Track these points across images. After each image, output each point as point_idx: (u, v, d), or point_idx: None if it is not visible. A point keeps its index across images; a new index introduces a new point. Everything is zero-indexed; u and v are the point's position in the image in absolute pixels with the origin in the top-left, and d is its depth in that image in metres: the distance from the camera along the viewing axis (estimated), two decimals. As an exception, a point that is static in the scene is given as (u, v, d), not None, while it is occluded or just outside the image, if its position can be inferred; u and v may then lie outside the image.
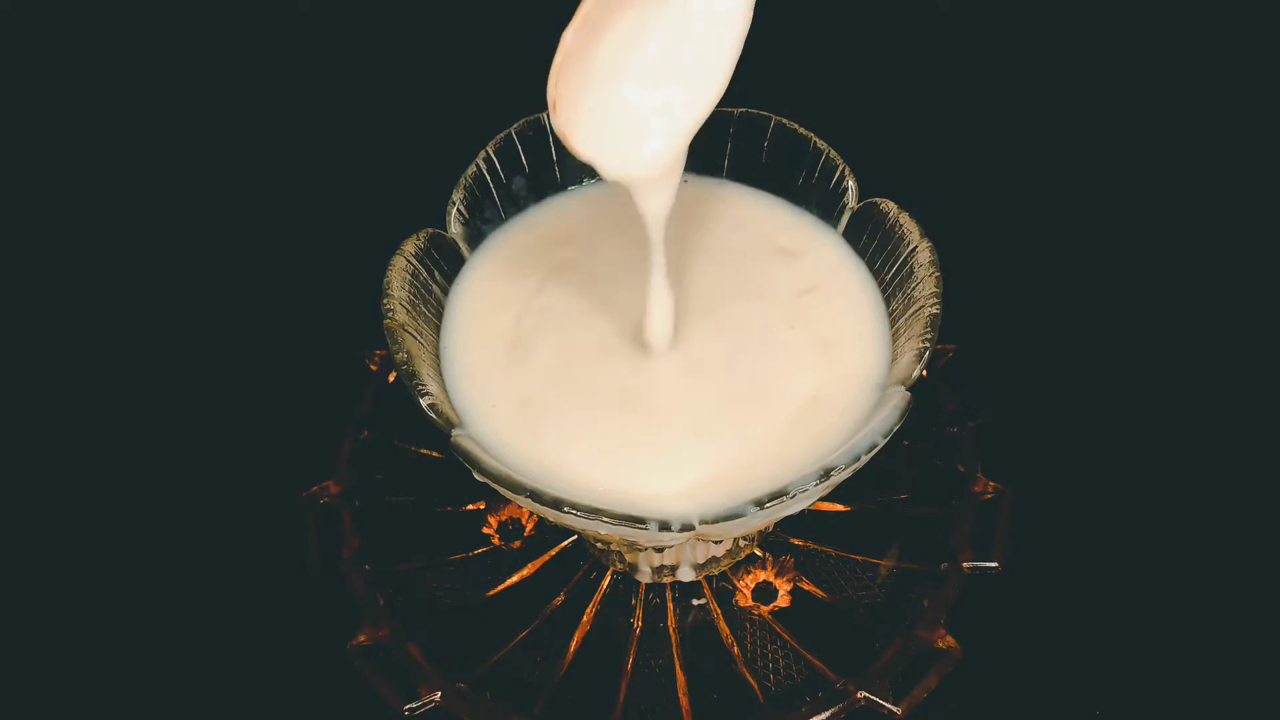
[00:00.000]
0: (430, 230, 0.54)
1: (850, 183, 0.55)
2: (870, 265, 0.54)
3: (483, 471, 0.45)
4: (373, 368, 0.65)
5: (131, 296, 0.74)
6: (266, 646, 0.57)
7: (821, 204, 0.57)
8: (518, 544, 0.59)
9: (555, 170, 0.58)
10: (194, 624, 0.58)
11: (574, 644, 0.55)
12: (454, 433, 0.47)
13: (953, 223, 0.55)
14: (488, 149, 0.57)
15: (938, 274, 0.50)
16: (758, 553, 0.58)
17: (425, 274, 0.53)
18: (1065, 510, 0.61)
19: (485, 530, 0.60)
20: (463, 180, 0.56)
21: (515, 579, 0.57)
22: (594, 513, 0.43)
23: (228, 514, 0.62)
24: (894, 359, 0.51)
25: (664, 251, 0.49)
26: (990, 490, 0.58)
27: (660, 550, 0.55)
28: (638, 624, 0.56)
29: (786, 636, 0.55)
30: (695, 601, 0.57)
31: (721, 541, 0.56)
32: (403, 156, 0.80)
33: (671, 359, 0.51)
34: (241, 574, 0.60)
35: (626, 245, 0.53)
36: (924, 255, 0.51)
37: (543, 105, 0.57)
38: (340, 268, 0.69)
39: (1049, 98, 0.84)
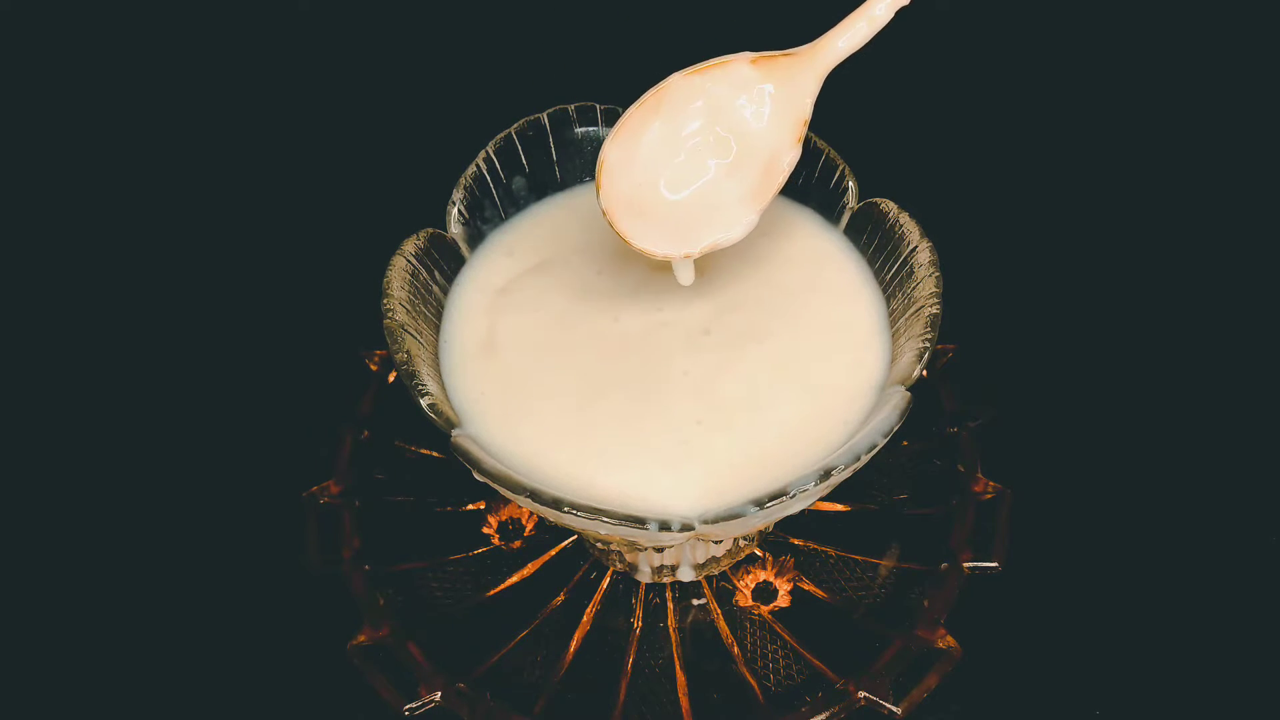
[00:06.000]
0: (430, 230, 0.54)
1: (850, 183, 0.55)
2: (870, 265, 0.54)
3: (483, 471, 0.45)
4: (373, 368, 0.65)
5: (132, 297, 0.74)
6: (266, 646, 0.57)
7: (821, 204, 0.57)
8: (518, 544, 0.59)
9: (555, 170, 0.58)
10: (194, 624, 0.58)
11: (574, 644, 0.55)
12: (454, 433, 0.47)
13: (953, 223, 0.56)
14: (488, 149, 0.57)
15: (938, 274, 0.50)
16: (758, 553, 0.58)
17: (425, 274, 0.53)
18: (1065, 510, 0.61)
19: (485, 530, 0.60)
20: (463, 180, 0.56)
21: (515, 579, 0.57)
22: (594, 513, 0.43)
23: (228, 514, 0.62)
24: (894, 359, 0.51)
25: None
26: (990, 490, 0.58)
27: (660, 550, 0.55)
28: (638, 624, 0.56)
29: (786, 636, 0.55)
30: (695, 601, 0.57)
31: (721, 541, 0.56)
32: (403, 156, 0.80)
33: (672, 359, 0.51)
34: (241, 574, 0.60)
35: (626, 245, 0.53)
36: (924, 255, 0.51)
37: (543, 105, 0.57)
38: (340, 268, 0.69)
39: (1049, 98, 0.84)
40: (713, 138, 0.49)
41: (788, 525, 0.58)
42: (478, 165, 0.56)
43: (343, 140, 0.83)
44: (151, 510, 0.63)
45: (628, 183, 0.49)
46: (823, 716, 0.51)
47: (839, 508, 0.59)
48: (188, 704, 0.56)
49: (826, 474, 0.44)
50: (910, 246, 0.51)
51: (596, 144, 0.58)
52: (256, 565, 0.60)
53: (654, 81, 0.51)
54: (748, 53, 0.49)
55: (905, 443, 0.61)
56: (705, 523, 0.43)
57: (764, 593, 0.57)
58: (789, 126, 0.49)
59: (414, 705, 0.52)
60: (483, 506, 0.60)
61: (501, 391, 0.51)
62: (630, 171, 0.49)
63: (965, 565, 0.55)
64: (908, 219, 0.52)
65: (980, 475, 0.59)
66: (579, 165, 0.58)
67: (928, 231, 0.51)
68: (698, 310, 0.53)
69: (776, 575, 0.58)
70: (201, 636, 0.58)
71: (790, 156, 0.49)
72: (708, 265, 0.55)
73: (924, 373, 0.50)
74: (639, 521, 0.43)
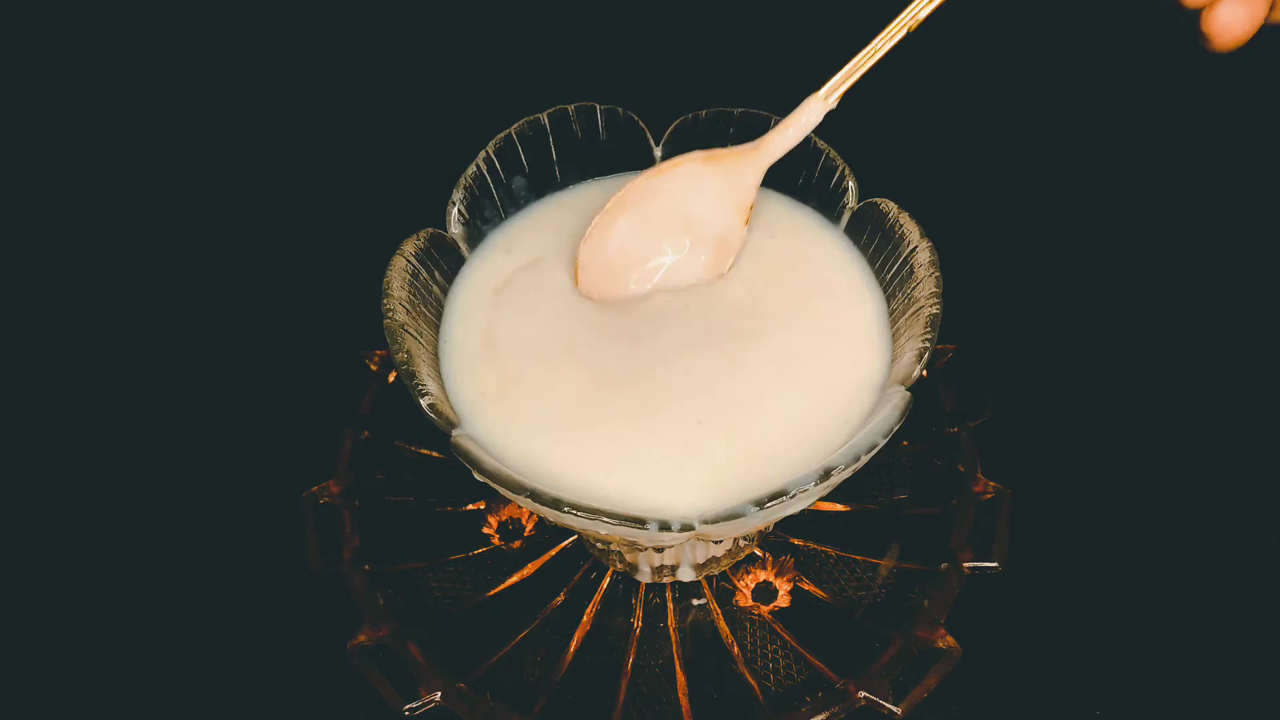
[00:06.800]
0: (430, 230, 0.54)
1: (850, 183, 0.55)
2: (870, 265, 0.54)
3: (483, 471, 0.45)
4: (373, 368, 0.65)
5: (133, 297, 0.74)
6: (266, 646, 0.57)
7: (821, 204, 0.57)
8: (518, 544, 0.59)
9: (555, 170, 0.58)
10: (194, 624, 0.58)
11: (574, 644, 0.55)
12: (454, 433, 0.47)
13: (953, 223, 0.55)
14: (488, 149, 0.57)
15: (938, 274, 0.50)
16: (758, 553, 0.58)
17: (425, 274, 0.53)
18: (1065, 510, 0.61)
19: (485, 530, 0.60)
20: (463, 180, 0.56)
21: (515, 579, 0.57)
22: (594, 513, 0.43)
23: (228, 514, 0.62)
24: (894, 359, 0.51)
25: None
26: (990, 490, 0.58)
27: (660, 550, 0.55)
28: (638, 624, 0.56)
29: (786, 636, 0.55)
30: (695, 601, 0.57)
31: (721, 541, 0.56)
32: (403, 156, 0.80)
33: (673, 359, 0.51)
34: (241, 574, 0.60)
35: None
36: (924, 255, 0.51)
37: (543, 105, 0.57)
38: (340, 268, 0.69)
39: (1049, 98, 0.84)
40: (673, 226, 0.54)
41: (788, 525, 0.58)
42: (478, 165, 0.56)
43: (343, 140, 0.83)
44: (152, 510, 0.63)
45: (600, 275, 0.54)
46: (823, 716, 0.51)
47: (839, 508, 0.59)
48: (188, 704, 0.56)
49: (826, 474, 0.44)
50: (910, 246, 0.51)
51: (597, 144, 0.58)
52: (257, 565, 0.60)
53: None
54: (699, 152, 0.55)
55: (905, 443, 0.61)
56: (705, 523, 0.43)
57: (764, 593, 0.57)
58: (737, 211, 0.54)
59: (414, 705, 0.52)
60: (483, 506, 0.60)
61: (501, 391, 0.51)
62: (602, 265, 0.54)
63: (965, 565, 0.55)
64: (908, 219, 0.52)
65: (980, 475, 0.59)
66: (579, 165, 0.58)
67: (928, 231, 0.51)
68: (698, 310, 0.53)
69: (776, 575, 0.58)
70: (202, 636, 0.58)
71: (739, 235, 0.55)
72: (708, 265, 0.55)
73: (924, 373, 0.50)
74: (639, 521, 0.43)
